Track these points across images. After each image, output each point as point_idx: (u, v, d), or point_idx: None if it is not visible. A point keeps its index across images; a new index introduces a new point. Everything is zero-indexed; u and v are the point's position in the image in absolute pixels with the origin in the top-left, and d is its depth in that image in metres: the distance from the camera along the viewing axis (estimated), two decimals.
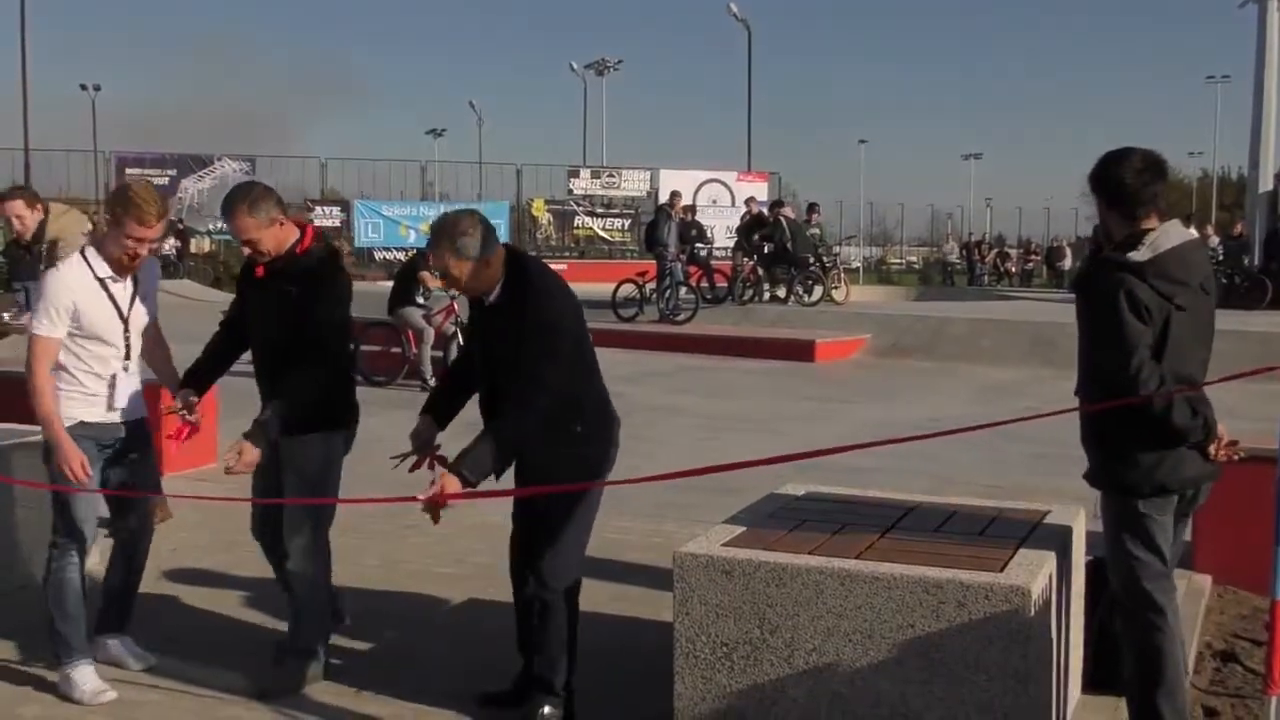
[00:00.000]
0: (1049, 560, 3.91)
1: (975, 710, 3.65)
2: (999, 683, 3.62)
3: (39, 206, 7.55)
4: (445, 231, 4.14)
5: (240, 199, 4.61)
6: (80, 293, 4.57)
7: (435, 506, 4.02)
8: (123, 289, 4.69)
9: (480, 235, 4.13)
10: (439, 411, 4.51)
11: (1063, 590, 4.10)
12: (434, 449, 4.45)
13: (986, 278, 42.25)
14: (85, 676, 4.62)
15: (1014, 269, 44.07)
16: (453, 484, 4.01)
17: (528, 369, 4.06)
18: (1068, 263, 39.79)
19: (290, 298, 4.60)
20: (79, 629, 4.68)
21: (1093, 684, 4.51)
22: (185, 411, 4.81)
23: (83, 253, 4.67)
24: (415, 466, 4.44)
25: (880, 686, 3.74)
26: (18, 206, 7.45)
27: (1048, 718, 3.86)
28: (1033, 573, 3.74)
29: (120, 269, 4.66)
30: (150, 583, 5.45)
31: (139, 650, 4.97)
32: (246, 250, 4.65)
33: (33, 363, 4.56)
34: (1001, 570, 3.76)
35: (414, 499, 4.03)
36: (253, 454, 4.48)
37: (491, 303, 4.23)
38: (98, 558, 5.11)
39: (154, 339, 4.90)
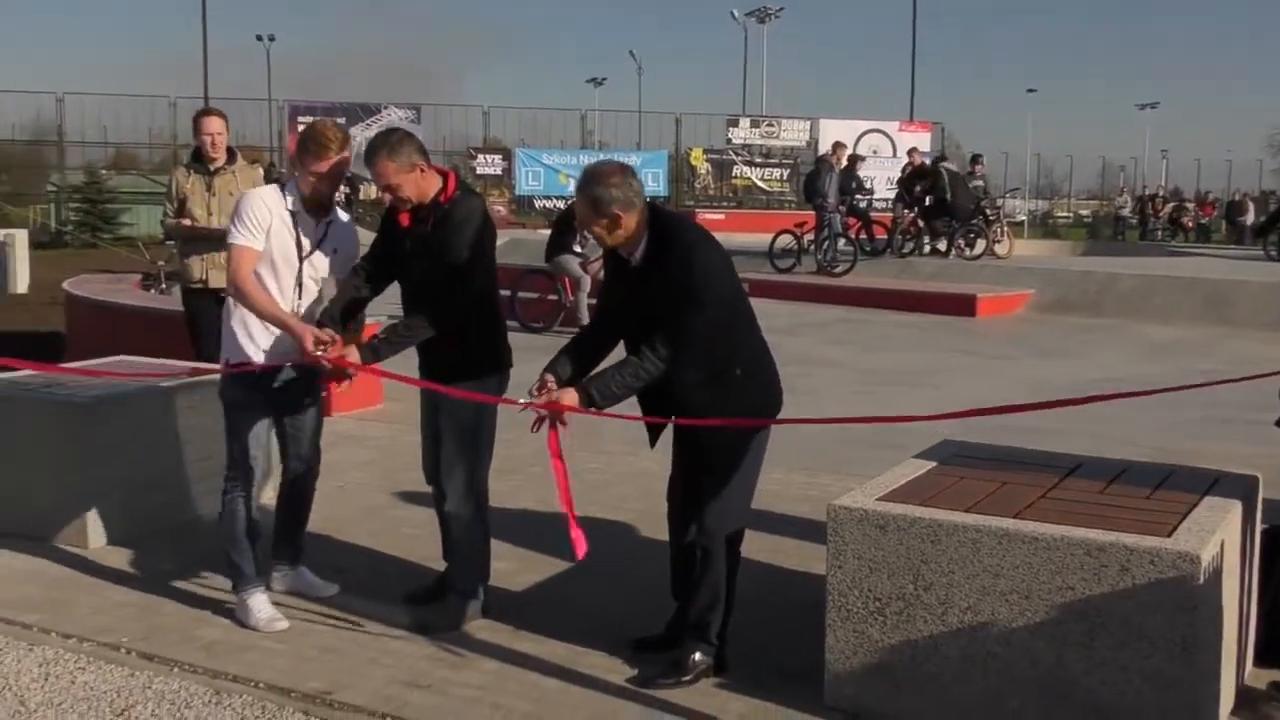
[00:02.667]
0: (1221, 526, 3.77)
1: (1138, 677, 3.56)
2: (1163, 651, 3.52)
3: (228, 134, 7.80)
4: (588, 181, 4.13)
5: (380, 145, 4.59)
6: (275, 218, 4.73)
7: (553, 416, 4.03)
8: (308, 228, 4.79)
9: (620, 190, 4.07)
10: (576, 356, 4.36)
11: (1235, 558, 3.96)
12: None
13: (1160, 233, 40.64)
14: (259, 604, 4.84)
15: (1190, 223, 42.25)
16: (570, 398, 4.04)
17: (669, 321, 4.02)
18: (1250, 218, 37.95)
19: (435, 245, 4.60)
20: (251, 559, 4.89)
21: (1264, 659, 4.35)
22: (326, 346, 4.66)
23: (281, 185, 4.83)
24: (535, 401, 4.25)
25: (1036, 648, 3.67)
26: (215, 124, 7.64)
27: (1215, 689, 3.74)
28: (1203, 539, 3.61)
29: (310, 207, 4.77)
30: (319, 518, 5.67)
31: (318, 580, 5.19)
32: (386, 196, 4.63)
33: (234, 273, 4.71)
34: (1169, 535, 3.65)
35: (521, 404, 4.07)
36: (350, 357, 4.57)
37: (635, 264, 4.18)
38: (271, 493, 5.33)
39: (334, 286, 4.93)
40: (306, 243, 4.78)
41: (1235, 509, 4.00)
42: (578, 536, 4.07)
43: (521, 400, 4.15)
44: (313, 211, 4.79)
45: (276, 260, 4.75)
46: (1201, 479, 4.33)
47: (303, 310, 4.82)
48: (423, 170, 4.63)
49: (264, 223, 4.69)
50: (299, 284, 4.81)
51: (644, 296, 4.11)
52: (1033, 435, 5.96)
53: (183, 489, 6.18)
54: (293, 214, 4.75)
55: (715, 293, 4.08)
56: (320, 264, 4.85)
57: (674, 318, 4.02)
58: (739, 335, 4.24)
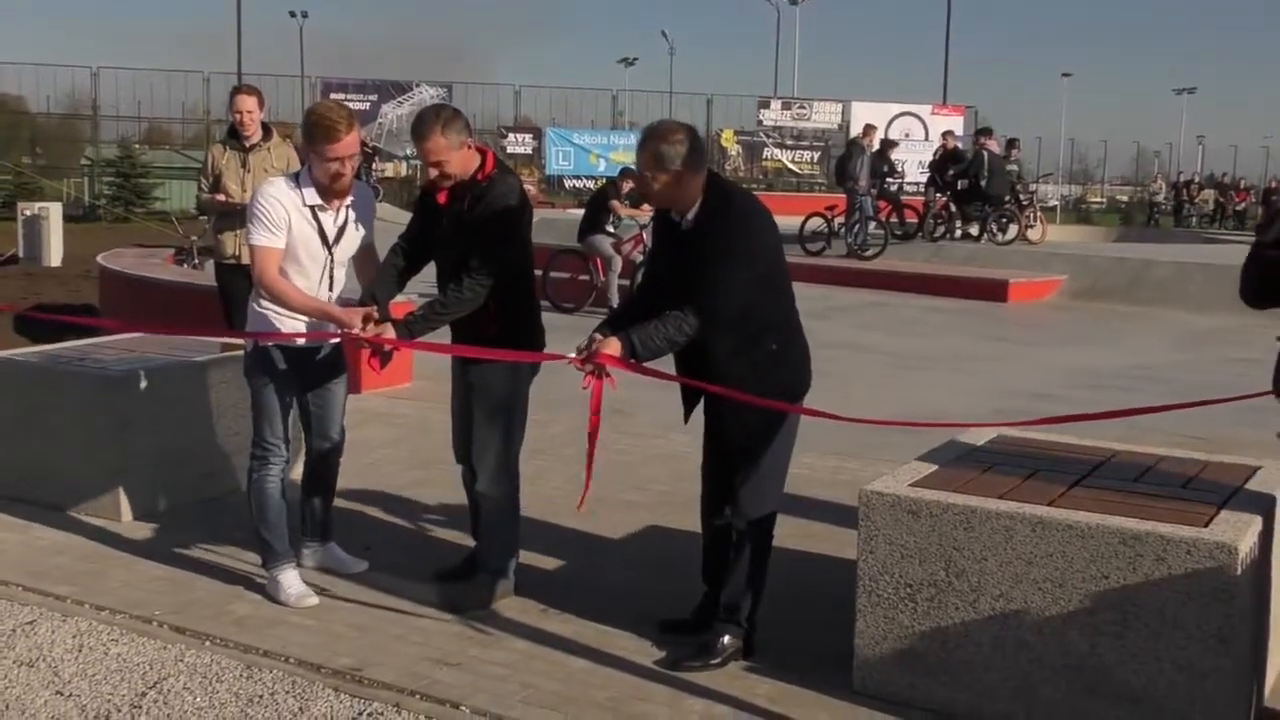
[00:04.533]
0: (1258, 517, 3.74)
1: (1172, 667, 3.53)
2: (1198, 642, 3.49)
3: (263, 110, 7.84)
4: (653, 136, 4.13)
5: (433, 119, 4.56)
6: (292, 212, 4.70)
7: (599, 369, 4.02)
8: (331, 219, 4.77)
9: (687, 148, 4.09)
10: (624, 321, 4.35)
11: (1273, 550, 3.92)
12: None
13: (1195, 219, 40.20)
14: (290, 581, 4.86)
15: (1229, 210, 41.73)
16: (613, 347, 4.02)
17: (711, 276, 4.01)
18: None
19: (472, 223, 4.59)
20: (281, 535, 4.92)
21: None
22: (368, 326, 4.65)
23: (295, 177, 4.81)
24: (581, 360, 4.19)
25: (1069, 636, 3.65)
26: (249, 101, 7.68)
27: (1250, 681, 3.71)
28: (1240, 530, 3.58)
29: (328, 195, 4.74)
30: (347, 495, 5.69)
31: (348, 557, 5.21)
32: (433, 173, 4.59)
33: (261, 274, 4.70)
34: (1206, 525, 3.61)
35: (567, 357, 4.08)
36: (386, 334, 4.57)
37: (686, 227, 4.18)
38: (299, 470, 5.34)
39: (366, 261, 4.94)
40: (330, 233, 4.76)
41: (1273, 501, 3.96)
42: (585, 489, 4.24)
43: (569, 355, 4.14)
44: (332, 199, 4.75)
45: (301, 256, 4.73)
46: (1239, 470, 4.28)
47: (334, 297, 4.83)
48: (469, 148, 4.64)
49: (282, 219, 4.67)
50: (329, 276, 4.81)
51: (692, 259, 4.10)
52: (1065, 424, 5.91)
53: (215, 464, 6.21)
54: (312, 208, 4.72)
55: (760, 259, 4.10)
56: (346, 250, 4.83)
57: (716, 273, 4.02)
58: (777, 310, 4.23)
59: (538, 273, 12.49)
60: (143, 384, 5.93)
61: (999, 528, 3.73)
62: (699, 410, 4.44)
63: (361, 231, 4.87)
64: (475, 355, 4.67)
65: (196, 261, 15.42)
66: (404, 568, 5.20)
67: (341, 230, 4.79)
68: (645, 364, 4.07)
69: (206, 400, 6.17)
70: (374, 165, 34.91)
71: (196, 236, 16.20)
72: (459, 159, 4.60)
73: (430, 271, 4.89)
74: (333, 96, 36.75)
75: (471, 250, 4.58)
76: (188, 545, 5.48)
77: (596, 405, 4.16)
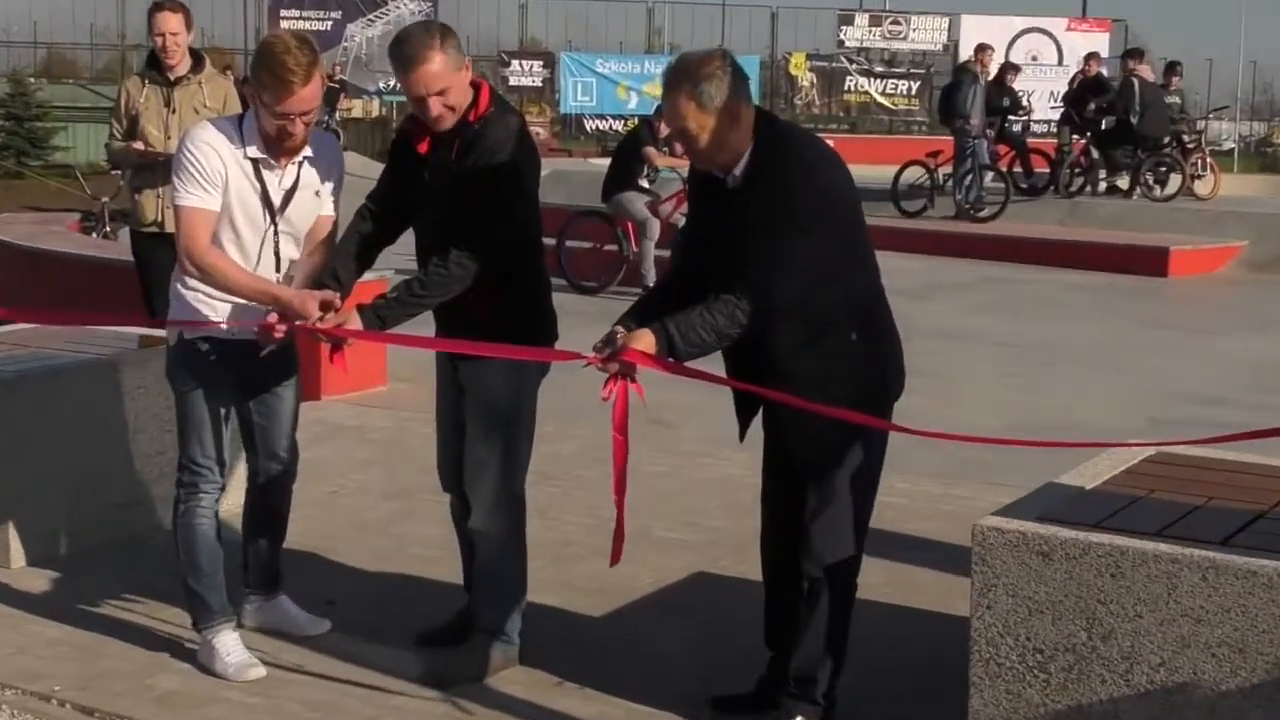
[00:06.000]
0: None
1: None
2: None
3: (192, 33, 7.88)
4: (684, 73, 4.09)
5: (426, 39, 4.51)
6: (230, 165, 4.68)
7: (625, 370, 3.99)
8: (277, 178, 4.76)
9: (730, 80, 4.07)
10: (654, 310, 4.32)
11: None
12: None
13: None
14: (228, 646, 4.88)
15: None
16: (644, 342, 3.99)
17: (766, 255, 4.00)
18: None
19: (462, 178, 4.58)
20: (217, 586, 4.93)
21: None
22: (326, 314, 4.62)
23: (235, 122, 4.79)
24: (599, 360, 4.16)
25: (1251, 717, 3.61)
26: (173, 20, 7.70)
27: None
28: None
29: (274, 150, 4.72)
30: (304, 534, 5.71)
31: (303, 615, 5.23)
32: (435, 109, 4.51)
33: (189, 245, 4.63)
34: None
35: (584, 357, 4.05)
36: (350, 323, 4.52)
37: (733, 185, 4.17)
38: (239, 500, 5.35)
39: (322, 239, 4.89)
40: (277, 196, 4.75)
41: None
42: (618, 536, 4.17)
43: (586, 354, 4.10)
44: (281, 155, 4.74)
45: (238, 221, 4.72)
46: None
47: (281, 279, 4.81)
48: (468, 72, 4.64)
49: (217, 173, 4.65)
50: (275, 252, 4.80)
51: (741, 226, 4.09)
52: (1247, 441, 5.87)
53: (131, 492, 6.24)
54: (254, 161, 4.71)
55: (832, 222, 4.09)
56: (299, 217, 4.82)
57: (775, 244, 4.01)
58: (856, 290, 4.22)
59: (549, 242, 12.54)
60: (38, 390, 5.95)
61: (1158, 575, 3.70)
62: (758, 423, 4.42)
63: (321, 198, 4.86)
64: (467, 351, 4.68)
65: (108, 230, 15.55)
66: (376, 629, 5.21)
67: (291, 193, 4.78)
68: (686, 364, 4.04)
69: (121, 411, 6.20)
70: (338, 103, 35.08)
71: (108, 197, 16.33)
72: (460, 86, 4.58)
73: (408, 241, 4.90)
74: (283, 16, 37.00)
75: (461, 213, 4.58)
76: (97, 599, 5.50)
77: (621, 420, 4.13)
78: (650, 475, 6.92)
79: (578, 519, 6.48)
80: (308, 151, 4.79)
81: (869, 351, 4.25)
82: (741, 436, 4.50)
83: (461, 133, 4.62)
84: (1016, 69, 22.45)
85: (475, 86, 4.69)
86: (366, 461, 7.62)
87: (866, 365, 4.24)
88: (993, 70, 20.53)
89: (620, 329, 4.13)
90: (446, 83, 4.52)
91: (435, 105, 4.51)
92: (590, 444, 7.24)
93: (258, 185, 4.73)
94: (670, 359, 4.02)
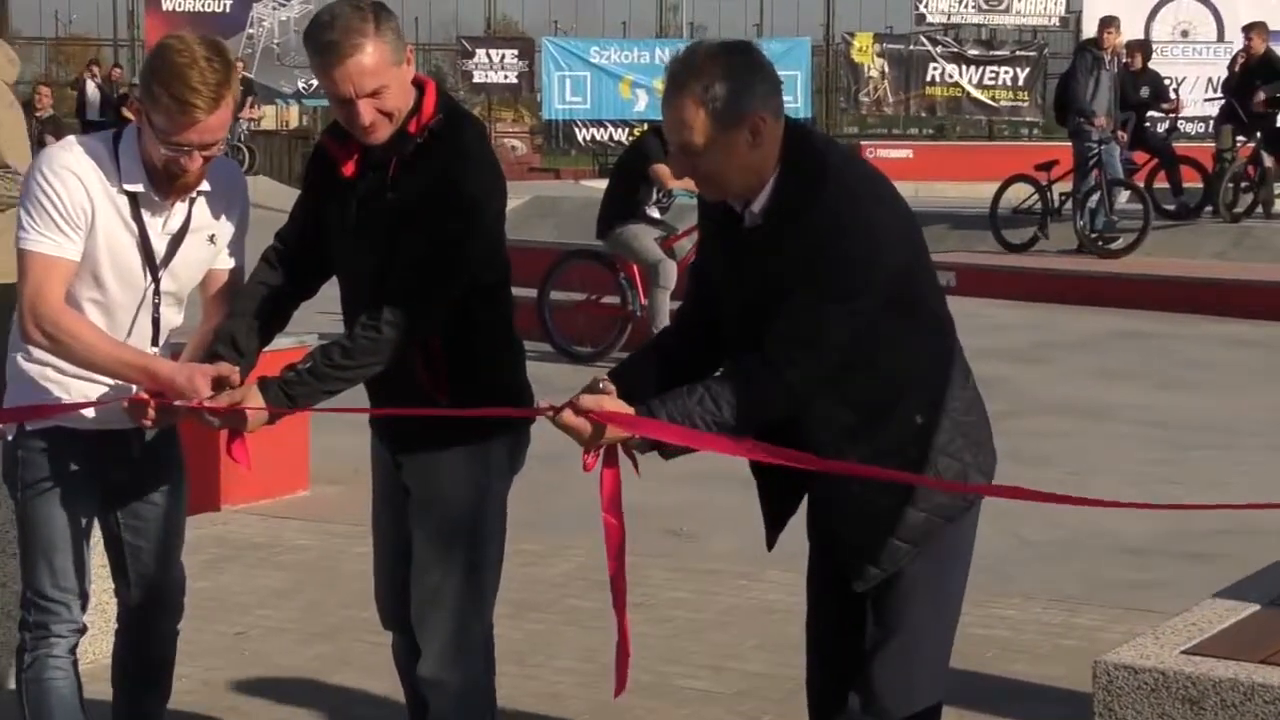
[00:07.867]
0: None
1: None
2: None
3: None
4: (693, 69, 4.10)
5: (357, 17, 4.51)
6: (98, 201, 4.66)
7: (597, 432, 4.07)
8: (160, 220, 4.76)
9: (754, 82, 4.11)
10: (651, 369, 4.43)
11: None
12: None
13: None
14: None
15: None
16: (618, 404, 4.06)
17: (800, 316, 4.05)
18: None
19: (400, 207, 4.61)
20: None
21: None
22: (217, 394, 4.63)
23: (110, 141, 4.78)
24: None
25: None
26: None
27: None
28: None
29: (161, 185, 4.71)
30: (197, 691, 5.78)
31: None
32: (366, 117, 4.51)
33: (35, 300, 4.57)
34: None
35: (548, 410, 4.13)
36: (250, 400, 4.54)
37: (752, 222, 4.20)
38: (104, 647, 5.45)
39: (224, 297, 4.93)
40: (160, 243, 4.75)
41: None
42: (622, 655, 4.22)
43: (544, 405, 4.19)
44: (169, 191, 4.73)
45: (106, 277, 4.71)
46: None
47: (160, 352, 4.83)
48: (410, 65, 4.66)
49: (81, 213, 4.63)
50: (152, 318, 4.82)
51: (759, 277, 4.15)
52: None
53: None
54: (132, 196, 4.70)
55: (882, 278, 4.10)
56: (187, 271, 4.84)
57: (801, 311, 4.05)
58: (921, 357, 4.27)
59: (526, 294, 12.57)
60: None
61: None
62: (797, 533, 4.49)
63: (217, 244, 4.88)
64: (402, 415, 4.72)
65: None
66: None
67: (179, 238, 4.80)
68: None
69: None
70: (242, 112, 35.12)
71: None
72: (401, 83, 4.62)
73: (333, 293, 4.99)
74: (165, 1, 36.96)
75: (399, 255, 4.62)
76: None
77: (612, 498, 4.22)
78: (668, 604, 6.88)
79: (568, 664, 6.48)
80: (205, 186, 4.80)
81: (943, 437, 4.25)
82: (770, 544, 4.53)
83: (400, 148, 4.65)
84: (1157, 48, 22.39)
85: (419, 86, 4.73)
86: (281, 592, 7.63)
87: (940, 454, 4.25)
88: (1124, 52, 20.62)
89: (607, 382, 4.19)
90: (382, 80, 4.52)
91: (366, 111, 4.51)
92: (587, 565, 7.18)
93: (135, 229, 4.72)
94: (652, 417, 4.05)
